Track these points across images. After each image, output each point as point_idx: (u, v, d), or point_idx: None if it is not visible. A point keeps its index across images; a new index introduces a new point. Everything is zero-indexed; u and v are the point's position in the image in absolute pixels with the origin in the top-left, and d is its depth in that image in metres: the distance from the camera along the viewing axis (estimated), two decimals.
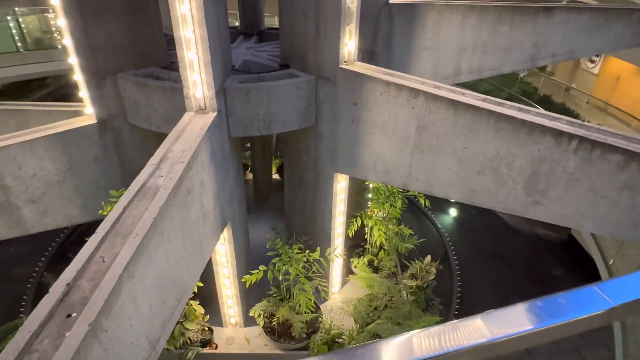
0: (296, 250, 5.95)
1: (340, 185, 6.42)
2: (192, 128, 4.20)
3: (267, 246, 5.99)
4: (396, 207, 7.75)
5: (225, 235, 5.50)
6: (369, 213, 7.91)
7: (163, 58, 5.86)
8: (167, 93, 5.07)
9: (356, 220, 7.48)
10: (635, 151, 3.38)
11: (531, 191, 4.07)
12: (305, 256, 5.99)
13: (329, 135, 5.71)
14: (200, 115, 4.49)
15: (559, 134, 3.69)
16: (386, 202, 7.60)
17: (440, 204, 11.25)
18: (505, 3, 6.64)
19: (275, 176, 11.36)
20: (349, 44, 5.13)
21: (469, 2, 6.56)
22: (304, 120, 5.56)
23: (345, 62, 5.19)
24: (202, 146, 3.99)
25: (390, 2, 6.44)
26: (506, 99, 13.96)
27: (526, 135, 3.85)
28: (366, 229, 8.20)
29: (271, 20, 12.51)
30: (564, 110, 13.93)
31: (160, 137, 4.15)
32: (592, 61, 16.94)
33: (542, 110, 4.11)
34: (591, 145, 3.54)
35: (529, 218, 4.34)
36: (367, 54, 6.84)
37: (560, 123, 3.83)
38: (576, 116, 13.49)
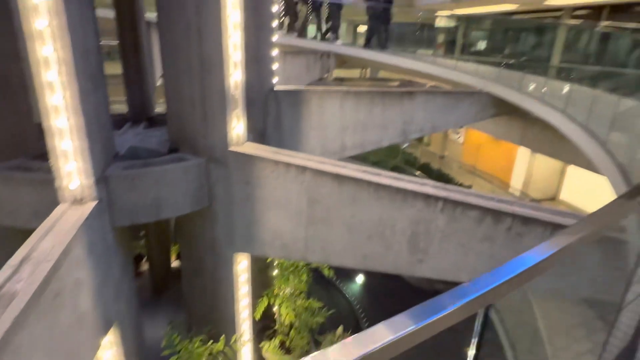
0: (197, 344, 5.45)
1: (242, 265, 6.24)
2: (66, 221, 3.83)
3: (163, 344, 5.40)
4: (302, 281, 7.71)
5: (111, 338, 4.84)
6: (275, 291, 7.72)
7: (35, 147, 5.41)
8: (37, 185, 4.62)
9: (262, 301, 7.22)
10: (487, 207, 3.97)
11: (414, 250, 4.44)
12: (207, 349, 5.51)
13: (224, 216, 5.65)
14: (77, 207, 4.15)
15: (427, 197, 4.18)
16: (291, 276, 7.54)
17: (347, 271, 11.49)
18: (376, 89, 7.68)
19: (177, 263, 10.60)
20: (237, 127, 5.36)
21: (344, 88, 7.44)
22: (196, 202, 5.46)
23: (235, 144, 5.36)
24: (77, 240, 3.64)
25: (275, 88, 6.99)
26: (392, 168, 15.42)
27: (402, 201, 4.29)
28: (274, 308, 7.92)
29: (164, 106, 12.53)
30: (440, 175, 15.88)
31: (30, 234, 3.70)
32: (457, 132, 19.94)
33: (412, 178, 4.66)
34: (453, 205, 4.07)
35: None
36: (259, 135, 7.18)
37: (428, 187, 4.36)
38: (450, 179, 15.44)
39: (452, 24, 15.88)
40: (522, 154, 15.64)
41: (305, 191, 4.85)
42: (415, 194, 4.21)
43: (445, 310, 0.93)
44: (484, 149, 18.42)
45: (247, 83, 5.75)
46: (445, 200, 4.10)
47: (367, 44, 11.89)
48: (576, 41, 9.89)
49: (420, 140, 21.16)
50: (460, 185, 14.86)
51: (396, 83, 19.08)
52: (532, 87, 7.92)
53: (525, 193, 15.20)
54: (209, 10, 4.67)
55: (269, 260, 7.60)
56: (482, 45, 14.89)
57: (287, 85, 8.17)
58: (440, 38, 16.52)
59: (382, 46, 11.33)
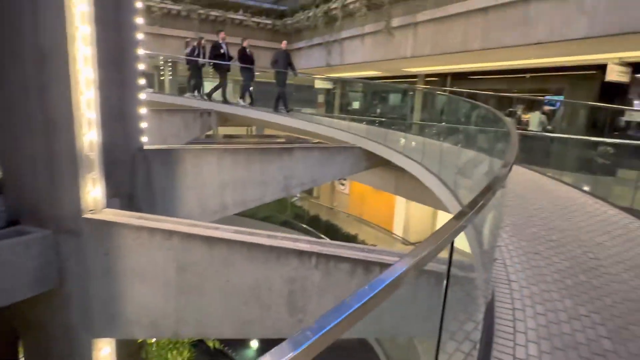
0: None
1: (104, 352, 5.31)
2: None
3: None
4: (184, 359, 6.89)
5: None
6: None
7: None
8: None
9: None
10: (357, 258, 4.07)
11: (293, 310, 4.28)
12: None
13: (79, 296, 4.83)
14: None
15: (301, 253, 4.14)
16: (170, 355, 6.68)
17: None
18: (254, 145, 7.72)
19: None
20: (93, 191, 4.78)
21: (222, 146, 7.33)
22: (41, 283, 4.59)
23: (90, 210, 4.75)
24: None
25: (144, 147, 6.55)
26: (282, 223, 15.38)
27: (276, 259, 4.16)
28: None
29: None
30: (329, 226, 16.36)
31: None
32: (342, 184, 21.07)
33: (286, 234, 4.60)
34: (326, 259, 4.08)
35: None
36: (127, 199, 6.53)
37: (302, 243, 4.33)
38: (338, 230, 15.99)
39: (328, 86, 17.28)
40: (400, 202, 17.06)
41: (173, 258, 4.43)
42: (289, 251, 4.13)
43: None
44: (367, 199, 19.69)
45: (108, 143, 5.28)
46: (319, 255, 4.10)
47: (251, 103, 12.13)
48: (428, 103, 11.51)
49: (309, 192, 21.80)
50: (347, 234, 15.45)
51: (282, 139, 19.67)
52: (394, 141, 8.82)
53: (406, 238, 16.43)
54: (53, 67, 4.24)
55: (140, 341, 6.66)
56: (355, 104, 16.39)
57: (163, 144, 7.77)
58: (320, 98, 17.79)
59: (276, 107, 11.62)
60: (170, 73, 18.01)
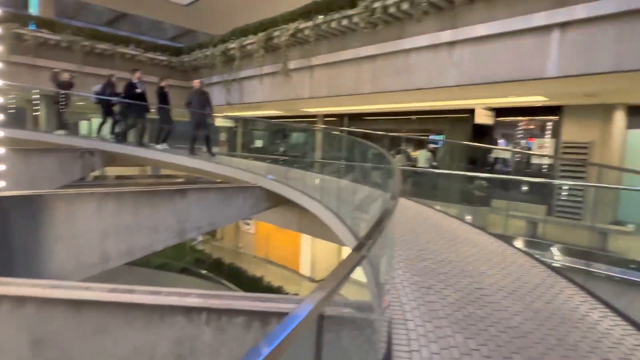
0: None
1: None
2: None
3: None
4: None
5: None
6: None
7: None
8: None
9: None
10: (252, 309, 3.74)
11: None
12: None
13: None
14: None
15: (188, 310, 3.68)
16: None
17: None
18: (142, 188, 7.02)
19: None
20: None
21: (103, 189, 6.52)
22: None
23: None
24: None
25: (0, 195, 5.50)
26: (180, 270, 14.19)
27: (159, 320, 3.64)
28: None
29: None
30: (233, 269, 15.56)
31: None
32: (247, 224, 20.45)
33: (174, 289, 4.09)
34: (218, 314, 3.68)
35: None
36: None
37: (191, 298, 3.87)
38: (243, 272, 15.29)
39: (230, 124, 16.98)
40: (306, 239, 17.04)
41: (26, 330, 3.61)
42: (174, 309, 3.65)
43: None
44: (273, 238, 19.33)
45: None
46: (209, 311, 3.68)
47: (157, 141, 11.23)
48: (327, 141, 11.91)
49: (212, 234, 20.69)
50: (252, 277, 14.82)
51: (181, 180, 18.59)
52: (295, 180, 8.82)
53: (312, 276, 16.34)
54: None
55: None
56: (258, 143, 16.31)
57: (31, 189, 6.68)
58: (223, 137, 17.34)
59: (192, 150, 10.84)
60: (47, 108, 16.06)
